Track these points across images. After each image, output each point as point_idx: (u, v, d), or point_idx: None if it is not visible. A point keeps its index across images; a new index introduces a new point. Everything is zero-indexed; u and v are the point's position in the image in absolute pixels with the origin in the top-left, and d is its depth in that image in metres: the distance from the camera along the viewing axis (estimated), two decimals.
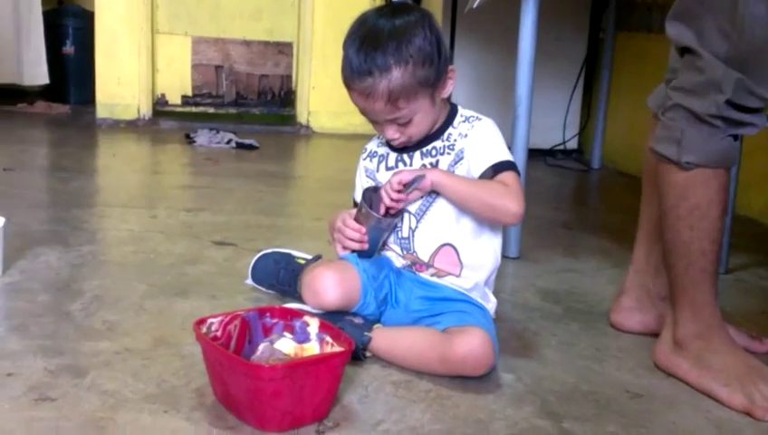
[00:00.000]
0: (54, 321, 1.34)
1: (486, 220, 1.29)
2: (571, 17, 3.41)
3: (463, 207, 1.28)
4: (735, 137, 1.23)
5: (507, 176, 1.27)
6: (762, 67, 1.17)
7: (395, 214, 1.30)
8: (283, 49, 4.12)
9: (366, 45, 1.22)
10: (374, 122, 1.30)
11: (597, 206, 2.98)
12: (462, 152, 1.30)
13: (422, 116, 1.27)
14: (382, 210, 1.28)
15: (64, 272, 1.60)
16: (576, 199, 3.05)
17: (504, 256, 1.90)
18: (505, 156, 1.29)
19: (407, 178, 1.26)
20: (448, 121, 1.33)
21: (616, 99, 3.32)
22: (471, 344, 1.18)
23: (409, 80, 1.21)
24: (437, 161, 1.31)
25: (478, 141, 1.30)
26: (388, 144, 1.35)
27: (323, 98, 3.86)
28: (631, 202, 2.81)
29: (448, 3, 3.28)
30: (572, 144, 3.56)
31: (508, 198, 1.24)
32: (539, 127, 3.15)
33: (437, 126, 1.32)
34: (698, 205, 1.23)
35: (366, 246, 1.31)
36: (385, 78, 1.20)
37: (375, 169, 1.37)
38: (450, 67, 1.29)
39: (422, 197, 1.30)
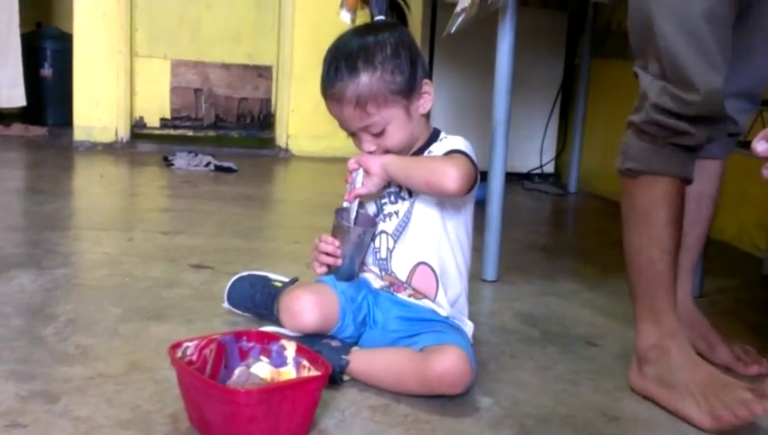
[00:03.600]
0: (27, 345, 1.32)
1: (427, 188, 1.27)
2: (547, 44, 3.46)
3: (407, 181, 1.29)
4: (682, 148, 1.30)
5: (454, 154, 1.28)
6: (679, 76, 1.26)
7: (365, 226, 1.32)
8: (262, 72, 4.13)
9: (338, 55, 1.28)
10: (352, 135, 1.32)
11: (573, 229, 3.00)
12: None
13: (395, 127, 1.28)
14: (352, 214, 1.31)
15: (38, 296, 1.57)
16: (553, 223, 3.08)
17: (482, 280, 1.91)
18: (461, 148, 1.29)
19: (353, 165, 1.30)
20: (428, 144, 1.34)
21: (592, 124, 3.36)
22: (448, 362, 1.18)
23: (377, 84, 1.25)
24: None
25: (441, 146, 1.32)
26: None
27: (302, 121, 3.87)
28: (607, 226, 2.84)
29: (427, 28, 3.32)
30: (549, 168, 3.59)
31: (448, 163, 1.24)
32: (516, 151, 3.19)
33: (417, 147, 1.34)
34: (643, 212, 1.31)
35: (339, 262, 1.31)
36: (353, 82, 1.25)
37: (360, 184, 1.38)
38: (425, 81, 1.31)
39: (385, 188, 1.33)
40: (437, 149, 1.33)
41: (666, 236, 1.29)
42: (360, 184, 1.30)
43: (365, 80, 1.25)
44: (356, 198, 1.31)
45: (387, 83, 1.26)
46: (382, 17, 1.35)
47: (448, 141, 1.33)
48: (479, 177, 1.30)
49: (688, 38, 1.25)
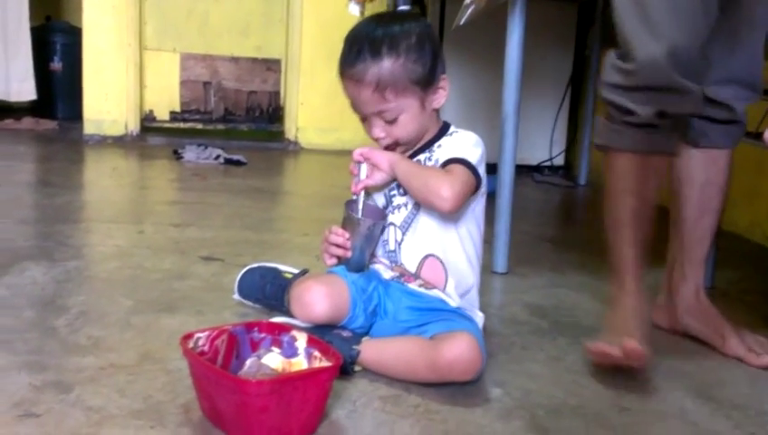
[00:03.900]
0: (39, 337, 1.33)
1: (422, 202, 1.28)
2: (556, 35, 3.44)
3: (409, 188, 1.29)
4: (634, 125, 1.35)
5: (455, 166, 1.27)
6: (624, 47, 1.33)
7: (375, 218, 1.32)
8: (271, 65, 4.13)
9: (361, 38, 1.28)
10: (363, 120, 1.32)
11: (583, 221, 2.99)
12: (437, 162, 1.31)
13: (409, 117, 1.28)
14: (360, 206, 1.32)
15: (50, 288, 1.58)
16: (563, 215, 3.07)
17: (492, 271, 1.91)
18: (464, 156, 1.29)
19: (358, 157, 1.30)
20: (437, 138, 1.34)
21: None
22: (458, 348, 1.18)
23: (399, 71, 1.25)
24: None
25: (450, 147, 1.31)
26: None
27: (312, 114, 3.87)
28: None
29: (435, 20, 3.31)
30: (559, 160, 3.58)
31: (443, 182, 1.24)
32: (526, 143, 3.18)
33: (426, 140, 1.33)
34: (607, 183, 1.43)
35: (349, 253, 1.31)
36: (376, 64, 1.25)
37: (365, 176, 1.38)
38: (443, 76, 1.31)
39: (389, 183, 1.32)
40: (447, 143, 1.32)
41: (620, 206, 1.39)
42: (365, 176, 1.30)
43: (388, 65, 1.25)
44: (363, 189, 1.31)
45: (408, 72, 1.26)
46: (407, 7, 1.35)
47: (458, 138, 1.33)
48: (484, 179, 1.31)
49: (635, 8, 1.30)
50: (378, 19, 1.33)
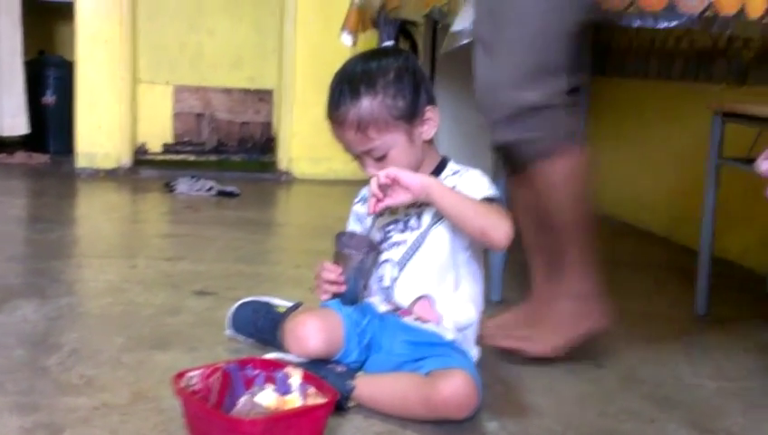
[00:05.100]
0: (30, 376, 1.31)
1: (474, 232, 1.26)
2: None
3: (455, 218, 1.26)
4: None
5: (498, 205, 1.29)
6: None
7: (367, 251, 1.31)
8: (263, 96, 4.15)
9: (342, 80, 1.30)
10: (356, 158, 1.32)
11: None
12: None
13: (398, 152, 1.28)
14: (350, 238, 1.32)
15: (41, 325, 1.57)
16: None
17: (486, 301, 1.90)
18: (495, 194, 1.31)
19: (385, 180, 1.24)
20: (436, 173, 1.34)
21: (592, 142, 3.36)
22: (454, 386, 1.17)
23: (378, 109, 1.26)
24: (422, 211, 1.32)
25: (466, 185, 1.31)
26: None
27: (304, 144, 3.88)
28: (611, 245, 2.83)
29: (428, 50, 3.33)
30: None
31: (503, 219, 1.25)
32: None
33: (426, 174, 1.33)
34: None
35: (343, 288, 1.31)
36: (354, 106, 1.26)
37: (365, 213, 1.37)
38: (428, 107, 1.31)
39: (412, 204, 1.30)
40: (459, 184, 1.31)
41: (519, 219, 1.57)
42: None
43: (366, 104, 1.26)
44: (383, 209, 1.29)
45: (388, 108, 1.26)
46: (390, 42, 1.36)
47: (470, 178, 1.32)
48: None
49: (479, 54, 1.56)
50: (358, 59, 1.34)
